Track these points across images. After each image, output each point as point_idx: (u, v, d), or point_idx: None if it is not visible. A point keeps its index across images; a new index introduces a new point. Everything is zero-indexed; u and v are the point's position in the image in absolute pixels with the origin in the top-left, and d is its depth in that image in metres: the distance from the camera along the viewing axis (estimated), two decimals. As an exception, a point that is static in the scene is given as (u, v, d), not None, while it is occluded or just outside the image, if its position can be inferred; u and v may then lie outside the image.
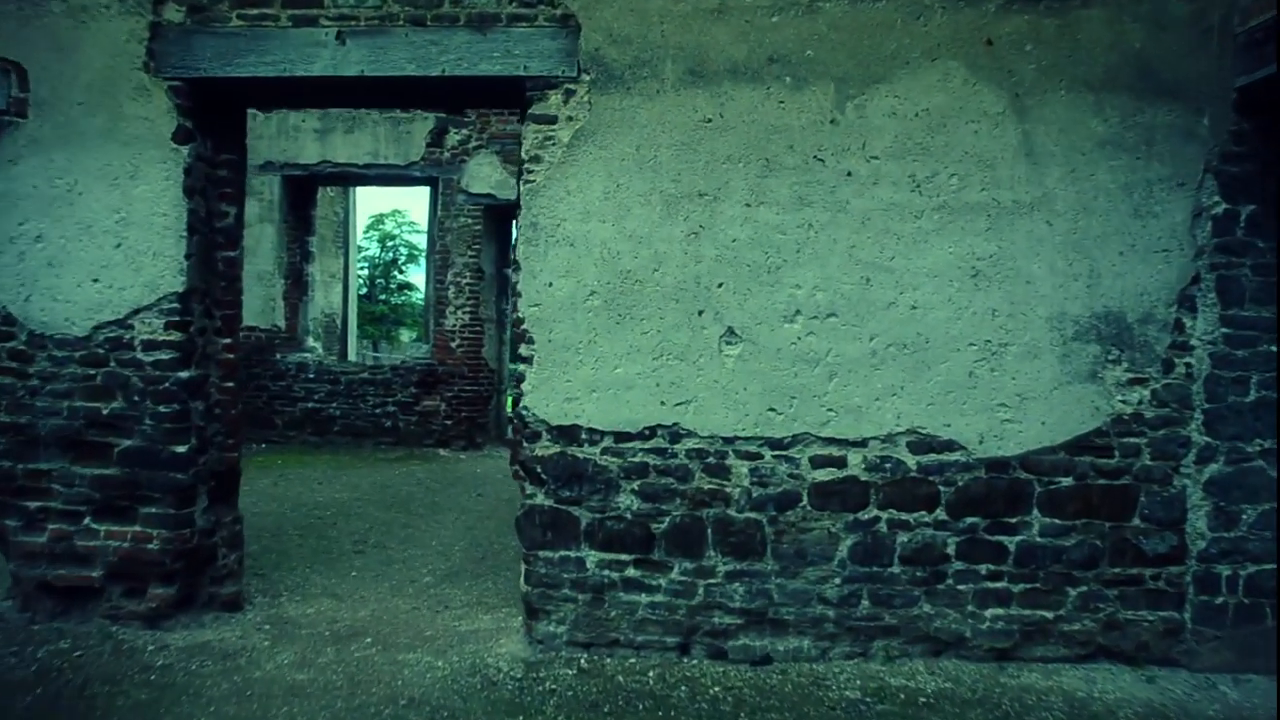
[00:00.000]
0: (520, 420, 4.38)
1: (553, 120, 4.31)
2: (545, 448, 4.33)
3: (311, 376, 11.56)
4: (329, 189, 13.80)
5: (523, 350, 4.35)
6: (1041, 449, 4.28)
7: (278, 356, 11.54)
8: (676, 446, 4.31)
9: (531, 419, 4.33)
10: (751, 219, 4.29)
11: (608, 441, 4.32)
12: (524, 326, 4.34)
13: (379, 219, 49.24)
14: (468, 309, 11.67)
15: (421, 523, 7.33)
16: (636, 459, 4.31)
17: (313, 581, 5.55)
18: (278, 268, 11.58)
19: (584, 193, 4.31)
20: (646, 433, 4.31)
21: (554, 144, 4.31)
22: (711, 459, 4.31)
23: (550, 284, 4.32)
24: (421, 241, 48.04)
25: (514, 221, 13.32)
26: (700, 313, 4.31)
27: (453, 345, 11.67)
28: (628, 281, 4.32)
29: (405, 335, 51.03)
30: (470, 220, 11.53)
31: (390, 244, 49.75)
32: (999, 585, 4.31)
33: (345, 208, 14.76)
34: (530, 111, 4.32)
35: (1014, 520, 4.30)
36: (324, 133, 11.35)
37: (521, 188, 4.35)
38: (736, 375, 4.30)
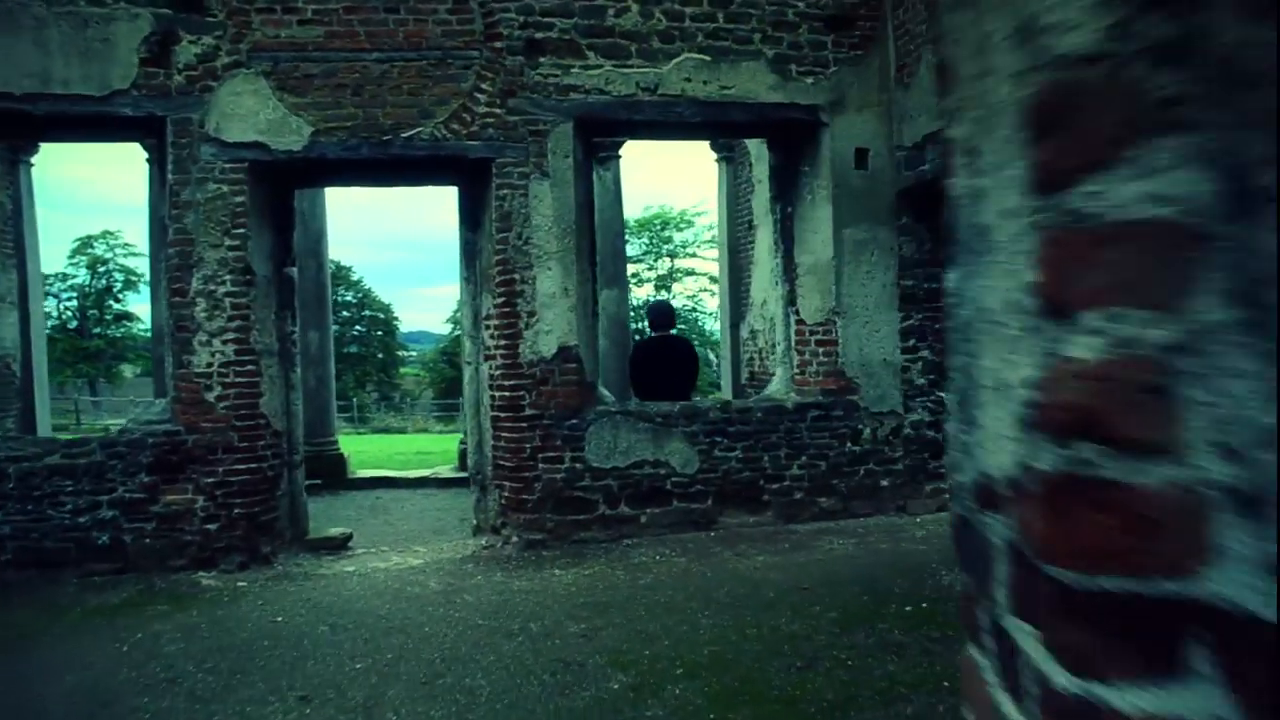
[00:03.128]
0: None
1: None
2: None
3: (-46, 468, 6.62)
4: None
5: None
6: None
7: (-116, 439, 6.51)
8: None
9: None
10: None
11: None
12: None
13: (86, 241, 42.77)
14: (231, 335, 7.11)
15: None
16: None
17: None
18: (-128, 283, 6.54)
19: None
20: None
21: None
22: None
23: None
24: (141, 266, 41.43)
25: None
26: None
27: (208, 398, 7.06)
28: None
29: (129, 371, 44.63)
30: (228, 188, 6.97)
31: (103, 270, 43.28)
32: None
33: (15, 191, 9.60)
34: None
35: None
36: (-56, 41, 6.48)
37: None
38: None
